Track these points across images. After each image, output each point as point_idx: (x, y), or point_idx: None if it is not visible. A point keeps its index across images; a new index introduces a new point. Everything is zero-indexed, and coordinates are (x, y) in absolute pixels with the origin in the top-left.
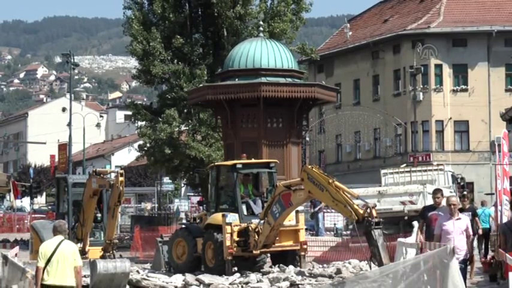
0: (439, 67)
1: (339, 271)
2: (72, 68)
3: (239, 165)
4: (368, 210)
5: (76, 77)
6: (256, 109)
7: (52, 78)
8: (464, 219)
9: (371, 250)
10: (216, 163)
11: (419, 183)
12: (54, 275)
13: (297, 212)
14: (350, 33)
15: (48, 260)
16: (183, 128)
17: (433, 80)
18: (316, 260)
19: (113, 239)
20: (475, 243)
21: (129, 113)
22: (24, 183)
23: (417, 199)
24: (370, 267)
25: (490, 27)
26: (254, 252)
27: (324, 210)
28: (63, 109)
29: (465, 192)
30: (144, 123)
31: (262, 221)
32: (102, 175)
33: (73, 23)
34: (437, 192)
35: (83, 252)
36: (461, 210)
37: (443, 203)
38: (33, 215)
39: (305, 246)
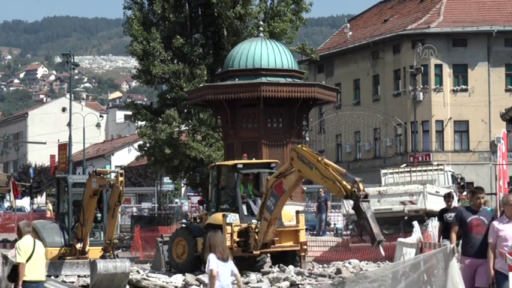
0: (439, 67)
1: (339, 271)
2: (72, 68)
3: (240, 165)
4: (355, 185)
5: (76, 77)
6: (256, 109)
7: (52, 78)
8: None
9: (361, 224)
10: (216, 163)
11: (419, 183)
12: (34, 271)
13: (298, 212)
14: (350, 33)
15: (29, 258)
16: (183, 128)
17: (433, 80)
18: (316, 260)
19: (113, 239)
20: None
21: (129, 113)
22: (24, 183)
23: (417, 199)
24: (361, 238)
25: (490, 27)
26: (254, 252)
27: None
28: (63, 109)
29: (451, 191)
30: (144, 123)
31: (259, 222)
32: (102, 175)
33: (73, 23)
34: (479, 191)
35: (83, 252)
36: (446, 210)
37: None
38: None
39: (305, 247)
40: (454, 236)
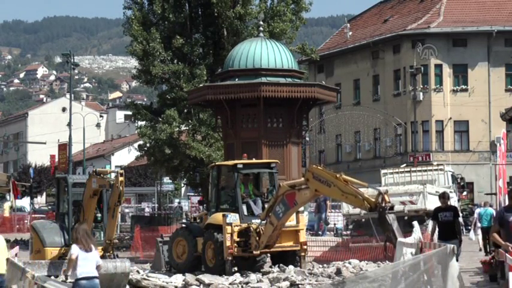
0: (439, 67)
1: (339, 271)
2: (72, 68)
3: (240, 165)
4: (380, 196)
5: (76, 77)
6: (256, 109)
7: (52, 78)
8: None
9: (386, 235)
10: (216, 163)
11: (419, 183)
12: None
13: (298, 212)
14: (350, 33)
15: None
16: (183, 128)
17: (433, 80)
18: (316, 260)
19: (113, 239)
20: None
21: (129, 113)
22: (24, 183)
23: (417, 199)
24: (386, 252)
25: (490, 27)
26: (255, 252)
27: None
28: (63, 109)
29: (446, 190)
30: (144, 123)
31: (263, 222)
32: (102, 175)
33: (73, 23)
34: None
35: None
36: (440, 209)
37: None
38: (33, 215)
39: (305, 247)
40: (497, 237)
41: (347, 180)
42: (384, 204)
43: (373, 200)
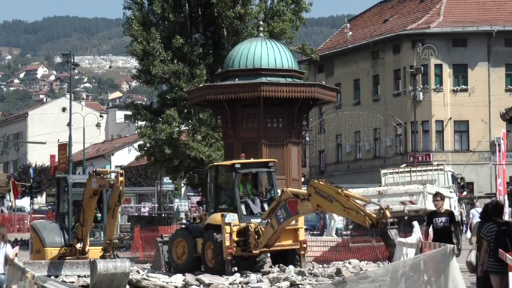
0: (439, 67)
1: (339, 271)
2: (72, 68)
3: (238, 165)
4: (382, 212)
5: (76, 77)
6: (256, 109)
7: (52, 78)
8: None
9: (389, 251)
10: (215, 163)
11: (419, 183)
12: None
13: None
14: (350, 33)
15: None
16: (183, 128)
17: (433, 80)
18: (316, 260)
19: (113, 239)
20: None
21: (129, 113)
22: (24, 183)
23: (417, 199)
24: None
25: (490, 27)
26: (254, 252)
27: None
28: (63, 109)
29: (439, 191)
30: (144, 123)
31: (265, 221)
32: (102, 175)
33: (73, 23)
34: None
35: (83, 252)
36: (435, 214)
37: None
38: (33, 215)
39: (305, 245)
40: None
41: (348, 195)
42: (385, 220)
43: (375, 215)
